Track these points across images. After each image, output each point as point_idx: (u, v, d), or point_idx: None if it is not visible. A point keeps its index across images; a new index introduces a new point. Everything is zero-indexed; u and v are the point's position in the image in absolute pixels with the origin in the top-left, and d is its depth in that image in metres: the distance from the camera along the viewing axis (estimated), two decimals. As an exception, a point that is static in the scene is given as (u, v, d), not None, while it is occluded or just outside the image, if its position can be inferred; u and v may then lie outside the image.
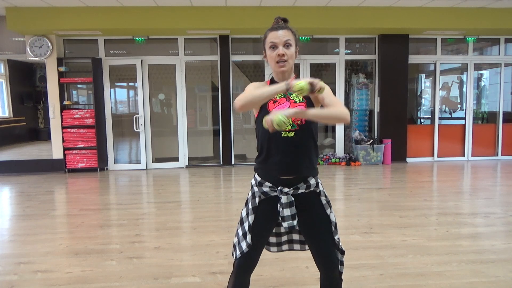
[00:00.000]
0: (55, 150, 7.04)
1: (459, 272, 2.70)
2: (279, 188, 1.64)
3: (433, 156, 7.79)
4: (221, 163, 7.46)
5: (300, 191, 1.66)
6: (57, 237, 3.58)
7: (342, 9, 6.64)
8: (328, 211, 1.71)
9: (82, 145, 6.95)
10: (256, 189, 1.70)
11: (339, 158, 7.52)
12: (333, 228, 1.71)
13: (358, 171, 6.81)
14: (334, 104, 1.62)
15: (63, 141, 6.93)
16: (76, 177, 6.61)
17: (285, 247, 1.88)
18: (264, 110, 1.66)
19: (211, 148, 7.83)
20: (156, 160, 7.60)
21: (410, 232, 3.53)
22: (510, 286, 2.49)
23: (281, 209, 1.64)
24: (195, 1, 6.23)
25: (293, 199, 1.64)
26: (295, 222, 1.64)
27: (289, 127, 1.60)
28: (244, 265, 1.71)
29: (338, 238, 1.73)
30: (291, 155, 1.61)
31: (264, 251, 1.85)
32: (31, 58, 6.91)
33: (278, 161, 1.63)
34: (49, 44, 6.78)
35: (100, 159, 7.04)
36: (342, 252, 1.75)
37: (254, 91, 1.58)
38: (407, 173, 6.56)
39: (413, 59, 7.56)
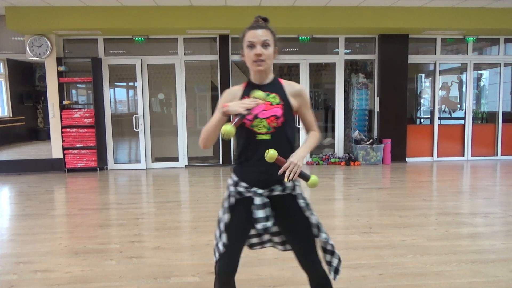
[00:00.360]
0: (54, 149, 7.03)
1: (459, 272, 2.70)
2: (253, 189, 1.63)
3: (432, 156, 7.79)
4: (221, 163, 7.46)
5: (275, 192, 1.64)
6: (57, 237, 3.58)
7: (342, 9, 6.64)
8: (307, 213, 1.69)
9: (81, 145, 6.95)
10: (232, 189, 1.69)
11: (339, 158, 7.52)
12: (316, 229, 1.68)
13: (358, 171, 6.81)
14: (311, 125, 1.77)
15: (63, 141, 6.92)
16: (76, 177, 6.60)
17: (268, 244, 1.87)
18: (239, 114, 1.61)
19: (211, 148, 7.82)
20: (156, 159, 7.60)
21: (409, 232, 3.53)
22: (509, 286, 2.50)
23: (254, 210, 1.62)
24: (195, 1, 6.23)
25: (267, 200, 1.62)
26: (269, 224, 1.62)
27: (265, 130, 1.60)
28: (225, 267, 1.70)
29: (326, 239, 1.69)
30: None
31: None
32: (31, 58, 6.90)
33: (254, 164, 1.62)
34: (49, 43, 6.77)
35: (100, 158, 7.04)
36: (332, 253, 1.71)
37: (204, 129, 1.63)
38: (406, 173, 6.56)
39: (413, 59, 7.56)
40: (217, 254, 1.69)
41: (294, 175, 1.52)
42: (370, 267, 2.80)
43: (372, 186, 5.58)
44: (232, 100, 1.66)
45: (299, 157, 1.56)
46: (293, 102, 1.69)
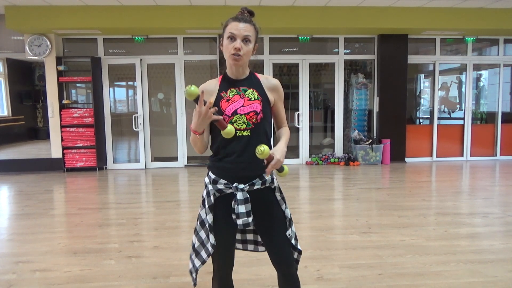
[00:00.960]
0: (54, 149, 7.03)
1: (458, 272, 2.71)
2: (234, 184, 1.61)
3: (432, 156, 7.80)
4: (220, 162, 7.44)
5: (256, 187, 1.62)
6: (56, 236, 3.58)
7: (341, 9, 6.64)
8: (283, 207, 1.69)
9: (81, 144, 6.94)
10: (210, 187, 1.65)
11: (338, 158, 7.52)
12: (287, 223, 1.69)
13: (357, 171, 6.82)
14: (283, 120, 1.76)
15: (62, 140, 6.92)
16: (75, 176, 6.60)
17: (250, 247, 1.85)
18: (219, 110, 1.59)
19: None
20: (155, 159, 7.60)
21: (408, 232, 3.54)
22: (508, 286, 2.50)
23: (236, 205, 1.59)
24: (195, 1, 6.23)
25: (248, 195, 1.60)
26: (250, 220, 1.59)
27: (244, 126, 1.58)
28: (225, 264, 1.70)
29: (290, 235, 1.67)
30: (246, 153, 1.58)
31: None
32: (30, 57, 6.89)
33: (233, 160, 1.60)
34: (48, 43, 6.76)
35: (99, 158, 7.03)
36: (300, 252, 1.71)
37: (192, 143, 1.67)
38: (406, 173, 6.56)
39: (412, 59, 7.56)
40: (205, 256, 1.66)
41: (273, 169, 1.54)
42: (369, 267, 2.80)
43: (371, 186, 5.59)
44: (209, 97, 1.62)
45: (283, 154, 1.55)
46: (271, 96, 1.67)
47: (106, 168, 7.29)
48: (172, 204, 4.70)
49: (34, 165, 7.07)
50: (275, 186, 1.70)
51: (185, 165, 7.47)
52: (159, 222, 3.99)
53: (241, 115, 1.59)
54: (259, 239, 1.79)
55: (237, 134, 1.58)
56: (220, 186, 1.63)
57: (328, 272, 2.71)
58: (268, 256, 1.71)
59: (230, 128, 1.51)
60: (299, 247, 1.70)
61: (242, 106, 1.60)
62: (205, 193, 1.69)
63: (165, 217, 4.15)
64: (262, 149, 1.49)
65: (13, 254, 3.17)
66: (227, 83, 1.65)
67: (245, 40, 1.57)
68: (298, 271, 1.73)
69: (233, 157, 1.60)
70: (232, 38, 1.56)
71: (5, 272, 2.80)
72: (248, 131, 1.59)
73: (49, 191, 5.57)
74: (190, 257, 1.74)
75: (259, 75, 1.70)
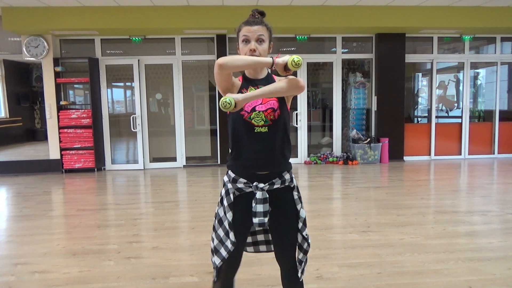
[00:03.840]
0: (52, 150, 7.01)
1: (456, 270, 2.71)
2: (254, 183, 1.62)
3: (430, 154, 7.81)
4: (219, 162, 7.45)
5: (275, 186, 1.64)
6: (55, 238, 3.57)
7: (339, 8, 6.64)
8: (298, 206, 1.71)
9: (79, 145, 6.93)
10: (229, 185, 1.67)
11: (337, 157, 7.53)
12: (301, 224, 1.70)
13: (356, 170, 6.82)
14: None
15: (60, 142, 6.90)
16: (73, 178, 6.59)
17: (262, 248, 1.86)
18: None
19: (209, 147, 7.82)
20: (154, 160, 7.59)
21: (407, 231, 3.54)
22: (507, 284, 2.51)
23: (254, 204, 1.61)
24: (192, 1, 6.22)
25: (267, 195, 1.62)
26: (266, 220, 1.61)
27: (262, 122, 1.61)
28: (231, 265, 1.71)
29: (307, 235, 1.71)
30: (265, 150, 1.61)
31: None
32: (27, 58, 6.88)
33: (252, 157, 1.62)
34: (45, 44, 6.75)
35: (97, 159, 7.02)
36: (305, 252, 1.72)
37: (238, 56, 1.59)
38: (404, 172, 6.57)
39: (410, 58, 7.58)
40: (224, 253, 1.66)
41: None
42: (368, 265, 2.80)
43: (370, 185, 5.59)
44: (234, 84, 1.68)
45: (245, 96, 1.54)
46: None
47: (104, 169, 7.28)
48: (171, 205, 4.69)
49: (32, 166, 7.05)
50: (294, 185, 1.72)
51: (183, 166, 7.47)
52: (158, 222, 3.99)
53: (259, 112, 1.63)
54: (271, 237, 1.80)
55: (255, 131, 1.61)
56: (239, 185, 1.65)
57: (327, 271, 2.72)
58: (268, 256, 1.72)
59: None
60: (305, 247, 1.72)
61: (260, 103, 1.64)
62: (223, 192, 1.71)
63: (164, 217, 4.15)
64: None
65: (11, 256, 3.16)
66: (247, 82, 1.72)
67: (259, 40, 1.63)
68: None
69: (252, 154, 1.62)
70: (247, 40, 1.64)
71: (4, 274, 2.79)
72: (266, 127, 1.62)
73: (48, 193, 5.56)
74: (211, 254, 1.75)
75: (275, 77, 1.76)
